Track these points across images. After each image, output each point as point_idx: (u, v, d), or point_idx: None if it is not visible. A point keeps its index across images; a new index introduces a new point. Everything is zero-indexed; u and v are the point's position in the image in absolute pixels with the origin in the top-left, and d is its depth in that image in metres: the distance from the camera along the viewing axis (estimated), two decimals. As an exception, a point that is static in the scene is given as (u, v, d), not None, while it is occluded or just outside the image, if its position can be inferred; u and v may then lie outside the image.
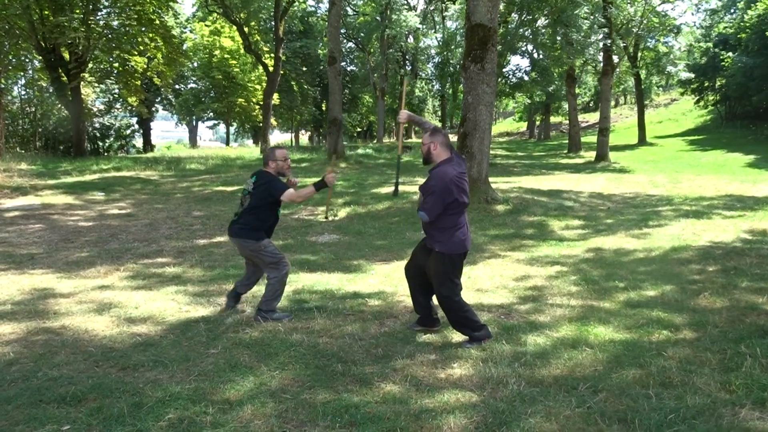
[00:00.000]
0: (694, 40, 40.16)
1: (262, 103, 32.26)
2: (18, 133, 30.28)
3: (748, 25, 34.45)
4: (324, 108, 43.29)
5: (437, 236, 4.30)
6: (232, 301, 5.28)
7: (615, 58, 27.28)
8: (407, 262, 4.76)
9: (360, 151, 27.44)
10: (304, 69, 41.31)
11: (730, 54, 34.84)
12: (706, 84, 39.71)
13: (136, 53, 25.03)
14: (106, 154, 30.99)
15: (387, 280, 6.30)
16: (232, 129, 49.46)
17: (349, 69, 48.38)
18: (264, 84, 32.17)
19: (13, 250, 7.93)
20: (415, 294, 4.63)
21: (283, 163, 4.94)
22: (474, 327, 4.37)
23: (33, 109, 31.30)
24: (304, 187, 5.04)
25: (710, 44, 38.72)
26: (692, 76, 38.30)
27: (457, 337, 4.49)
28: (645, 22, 27.44)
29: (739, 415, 3.19)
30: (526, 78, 33.16)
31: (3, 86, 25.39)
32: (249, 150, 32.97)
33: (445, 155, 4.38)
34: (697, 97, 41.49)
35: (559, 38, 25.89)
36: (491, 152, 13.97)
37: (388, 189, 13.65)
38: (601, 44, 25.62)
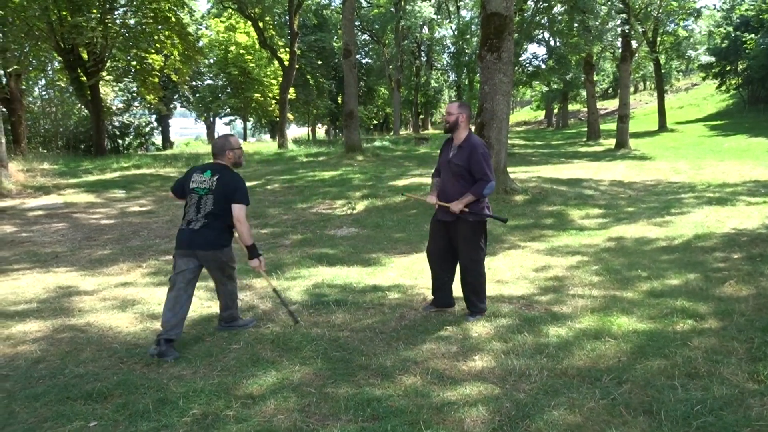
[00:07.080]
0: (714, 23, 39.36)
1: (278, 97, 32.29)
2: (40, 133, 30.72)
3: (770, 6, 33.67)
4: (340, 101, 43.24)
5: (471, 206, 4.60)
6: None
7: (634, 44, 26.83)
8: (429, 246, 4.94)
9: (377, 143, 27.41)
10: (320, 62, 41.21)
11: (753, 36, 34.06)
12: (728, 67, 38.89)
13: (153, 51, 25.23)
14: (126, 152, 31.30)
15: (406, 273, 6.29)
16: (249, 124, 49.66)
17: (364, 61, 48.29)
18: (280, 79, 32.19)
19: (37, 249, 8.07)
20: (440, 275, 4.89)
21: (239, 152, 4.28)
22: (483, 297, 4.79)
23: (54, 110, 31.72)
24: None
25: (731, 28, 37.87)
26: (713, 59, 37.51)
27: (477, 329, 4.47)
28: (664, 5, 26.95)
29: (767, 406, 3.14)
30: (543, 66, 32.89)
31: (24, 88, 25.77)
32: (266, 145, 33.09)
33: (467, 129, 4.75)
34: (719, 81, 40.67)
35: (576, 25, 25.60)
36: (509, 142, 13.84)
37: (406, 181, 13.63)
38: (619, 30, 25.23)
